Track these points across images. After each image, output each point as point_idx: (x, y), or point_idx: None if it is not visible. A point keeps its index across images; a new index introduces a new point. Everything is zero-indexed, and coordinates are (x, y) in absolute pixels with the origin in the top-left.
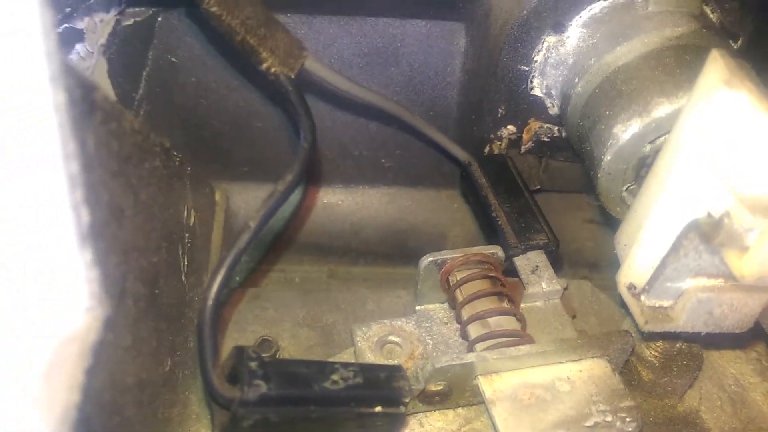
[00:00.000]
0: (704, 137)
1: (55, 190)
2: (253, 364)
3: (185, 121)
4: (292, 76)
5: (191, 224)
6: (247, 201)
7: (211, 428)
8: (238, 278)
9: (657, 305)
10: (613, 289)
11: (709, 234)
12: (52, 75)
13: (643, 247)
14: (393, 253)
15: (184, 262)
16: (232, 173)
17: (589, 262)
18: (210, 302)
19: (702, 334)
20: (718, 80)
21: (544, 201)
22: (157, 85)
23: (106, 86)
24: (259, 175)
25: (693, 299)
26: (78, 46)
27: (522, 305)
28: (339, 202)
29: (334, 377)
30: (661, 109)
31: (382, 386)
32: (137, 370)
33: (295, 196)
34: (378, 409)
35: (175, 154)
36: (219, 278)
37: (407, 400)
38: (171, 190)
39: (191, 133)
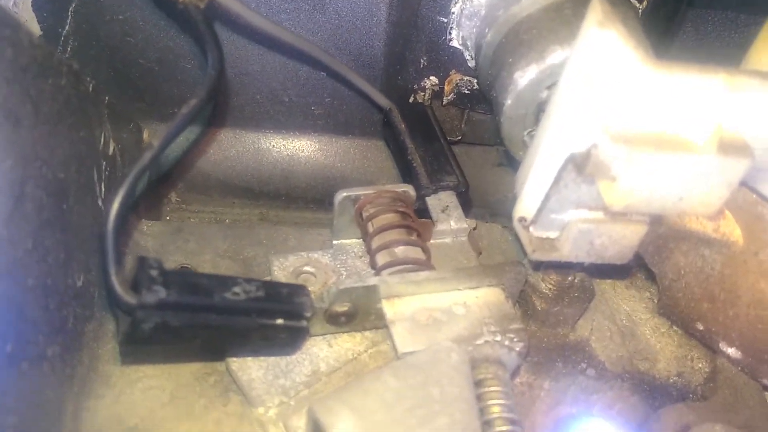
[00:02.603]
0: (581, 77)
1: None
2: (154, 272)
3: (112, 59)
4: (201, 7)
5: (109, 153)
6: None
7: (116, 335)
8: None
9: (544, 236)
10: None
11: (581, 165)
12: None
13: (532, 182)
14: (322, 198)
15: (100, 187)
16: (161, 114)
17: (502, 209)
18: (113, 213)
19: (586, 265)
20: (593, 21)
21: (465, 151)
22: (83, 21)
23: (30, 19)
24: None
25: (575, 230)
26: None
27: (431, 241)
28: (270, 147)
29: (236, 290)
30: (555, 55)
31: (284, 301)
32: (40, 274)
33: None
34: (279, 321)
35: (89, 79)
36: (122, 190)
37: (309, 315)
38: (82, 114)
39: (119, 71)
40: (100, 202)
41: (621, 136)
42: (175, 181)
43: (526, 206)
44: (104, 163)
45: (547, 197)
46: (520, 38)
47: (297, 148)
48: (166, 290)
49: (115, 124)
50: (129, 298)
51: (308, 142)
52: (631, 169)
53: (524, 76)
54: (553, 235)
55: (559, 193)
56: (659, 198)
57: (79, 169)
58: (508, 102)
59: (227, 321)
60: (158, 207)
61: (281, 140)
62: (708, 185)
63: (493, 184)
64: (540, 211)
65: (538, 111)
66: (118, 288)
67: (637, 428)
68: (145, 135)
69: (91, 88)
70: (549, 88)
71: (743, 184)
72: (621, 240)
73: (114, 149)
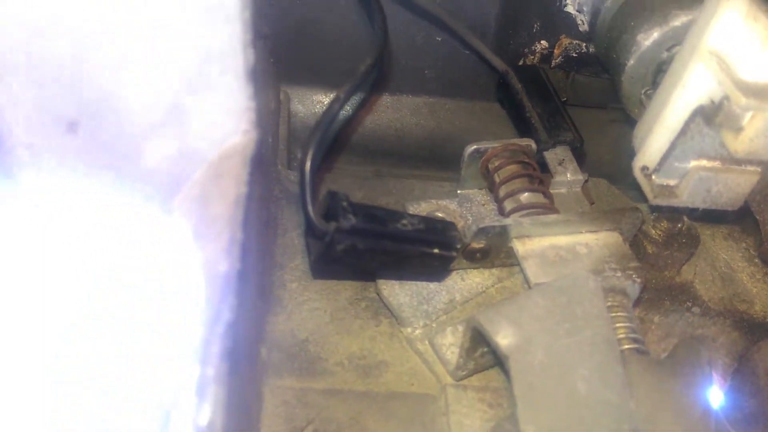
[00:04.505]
0: (711, 38)
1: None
2: (345, 203)
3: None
4: None
5: (272, 109)
6: (304, 104)
7: (308, 258)
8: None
9: (665, 183)
10: (625, 187)
11: (711, 116)
12: None
13: (656, 134)
14: (432, 157)
15: (270, 139)
16: (293, 77)
17: (608, 167)
18: (310, 153)
19: (698, 211)
20: None
21: (571, 113)
22: None
23: None
24: (316, 82)
25: (695, 177)
26: None
27: (550, 191)
28: (385, 109)
29: (404, 222)
30: (678, 19)
31: (440, 233)
32: (255, 209)
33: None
34: (436, 250)
35: (269, 43)
36: (318, 135)
37: (458, 247)
38: (265, 73)
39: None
40: (269, 152)
41: (751, 89)
42: (301, 139)
43: (648, 156)
44: (270, 117)
45: (672, 147)
46: (643, 3)
47: (409, 109)
48: (355, 217)
49: (274, 88)
50: (325, 227)
51: (420, 103)
52: (759, 119)
53: (648, 38)
54: (673, 182)
55: (684, 143)
56: None
57: (263, 123)
58: (631, 62)
59: (398, 247)
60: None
61: (395, 101)
62: None
63: (598, 146)
64: (664, 159)
65: (657, 71)
66: (315, 219)
67: (740, 359)
68: (282, 96)
69: (270, 50)
70: (669, 49)
71: None
72: (735, 187)
73: (273, 105)
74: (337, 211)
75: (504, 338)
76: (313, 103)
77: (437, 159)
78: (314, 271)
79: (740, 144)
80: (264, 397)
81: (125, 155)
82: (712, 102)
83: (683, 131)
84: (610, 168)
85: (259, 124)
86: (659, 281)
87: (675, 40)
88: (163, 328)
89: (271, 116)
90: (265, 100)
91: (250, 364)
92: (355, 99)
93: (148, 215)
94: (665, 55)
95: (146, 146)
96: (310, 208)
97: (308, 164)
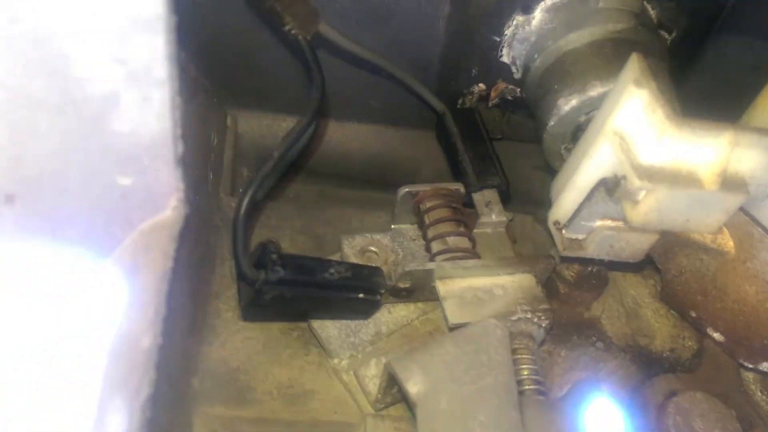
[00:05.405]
0: (616, 120)
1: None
2: (274, 255)
3: (204, 50)
4: (308, 38)
5: (214, 144)
6: (250, 125)
7: (238, 302)
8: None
9: (573, 237)
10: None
11: (612, 189)
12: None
13: (568, 193)
14: (375, 180)
15: (210, 175)
16: (239, 101)
17: (535, 200)
18: (243, 210)
19: (605, 261)
20: (630, 78)
21: (505, 147)
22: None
23: None
24: (262, 104)
25: (599, 235)
26: None
27: (475, 231)
28: (331, 133)
29: (332, 270)
30: (595, 90)
31: (365, 280)
32: (185, 254)
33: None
34: (361, 295)
35: (210, 92)
36: (250, 192)
37: (383, 291)
38: (206, 120)
39: (210, 61)
40: (208, 188)
41: (645, 172)
42: (248, 158)
43: (561, 212)
44: (212, 154)
45: (579, 208)
46: (566, 69)
47: (354, 135)
48: (283, 270)
49: (217, 117)
50: (256, 276)
51: (365, 130)
52: (651, 197)
53: (568, 104)
54: (581, 237)
55: (590, 207)
56: (670, 219)
57: (203, 165)
58: (551, 123)
59: (323, 294)
60: (233, 181)
61: (341, 127)
62: (710, 213)
63: (528, 180)
64: (572, 218)
65: (575, 131)
66: (246, 268)
67: (633, 392)
68: (228, 120)
69: (211, 96)
70: (587, 114)
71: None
72: (636, 244)
73: (216, 139)
74: (266, 262)
75: (414, 386)
76: (260, 126)
77: (380, 182)
78: (244, 315)
79: (636, 216)
80: (193, 426)
81: (63, 223)
82: (615, 176)
83: (589, 197)
84: (539, 195)
85: (187, 201)
86: (569, 317)
87: (593, 107)
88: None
89: (214, 146)
90: (205, 133)
91: (179, 396)
92: (290, 155)
93: (83, 276)
94: (583, 118)
95: (84, 216)
96: (241, 256)
97: (241, 216)
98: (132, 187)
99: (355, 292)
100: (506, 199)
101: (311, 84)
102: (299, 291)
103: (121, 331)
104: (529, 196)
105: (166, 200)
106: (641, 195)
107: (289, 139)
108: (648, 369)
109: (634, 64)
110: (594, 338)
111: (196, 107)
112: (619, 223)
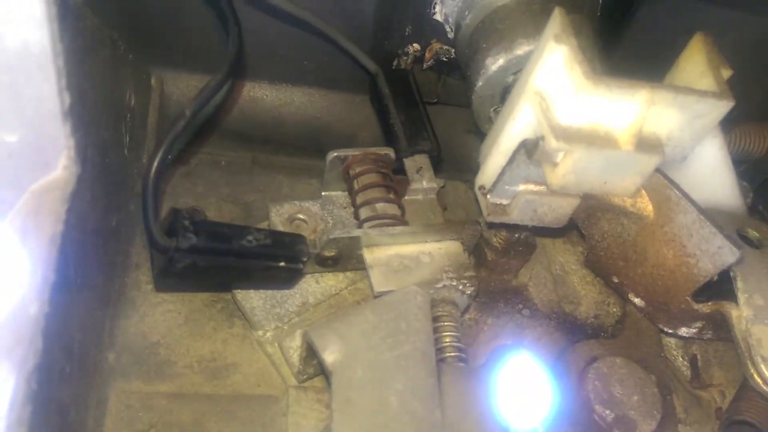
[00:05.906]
0: (537, 78)
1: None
2: (186, 222)
3: (124, 9)
4: None
5: (131, 105)
6: (179, 87)
7: (151, 271)
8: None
9: (498, 202)
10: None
11: (531, 151)
12: None
13: (492, 158)
14: (309, 146)
15: (126, 138)
16: (166, 61)
17: (469, 166)
18: (152, 172)
19: (530, 226)
20: (551, 34)
21: (440, 111)
22: None
23: None
24: (190, 64)
25: (522, 200)
26: None
27: (405, 197)
28: (264, 97)
29: (249, 237)
30: (522, 48)
31: (287, 247)
32: (95, 220)
33: (223, 91)
34: (282, 264)
35: (120, 44)
36: (160, 154)
37: (305, 260)
38: (117, 76)
39: (131, 20)
40: (126, 151)
41: (563, 132)
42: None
43: (485, 177)
44: (128, 115)
45: (502, 172)
46: (495, 26)
47: (288, 99)
48: (196, 237)
49: (135, 76)
50: (167, 243)
51: (299, 93)
52: (568, 159)
53: (495, 63)
54: (505, 202)
55: (512, 170)
56: (588, 181)
57: (115, 126)
58: (479, 84)
59: (242, 263)
60: None
61: (274, 90)
62: (627, 174)
63: (463, 145)
64: (496, 182)
65: (504, 92)
66: (157, 235)
67: (557, 359)
68: (153, 81)
69: (122, 50)
70: (515, 74)
71: (657, 170)
72: (558, 209)
73: (134, 100)
74: (178, 229)
75: (330, 354)
76: (189, 87)
77: (314, 148)
78: (157, 285)
79: (555, 178)
80: (108, 402)
81: None
82: (535, 138)
83: (511, 160)
84: (472, 161)
85: (82, 160)
86: (496, 285)
87: (519, 67)
88: None
89: (131, 106)
90: (116, 90)
91: (90, 371)
92: (205, 113)
93: None
94: (511, 78)
95: None
96: (152, 223)
97: (151, 180)
98: (18, 144)
99: (276, 260)
100: (438, 165)
101: (227, 36)
102: (214, 260)
103: (8, 299)
104: (463, 162)
105: (57, 159)
106: (559, 156)
107: (202, 96)
108: (572, 335)
109: (555, 20)
110: (520, 305)
111: (102, 60)
112: (542, 188)
